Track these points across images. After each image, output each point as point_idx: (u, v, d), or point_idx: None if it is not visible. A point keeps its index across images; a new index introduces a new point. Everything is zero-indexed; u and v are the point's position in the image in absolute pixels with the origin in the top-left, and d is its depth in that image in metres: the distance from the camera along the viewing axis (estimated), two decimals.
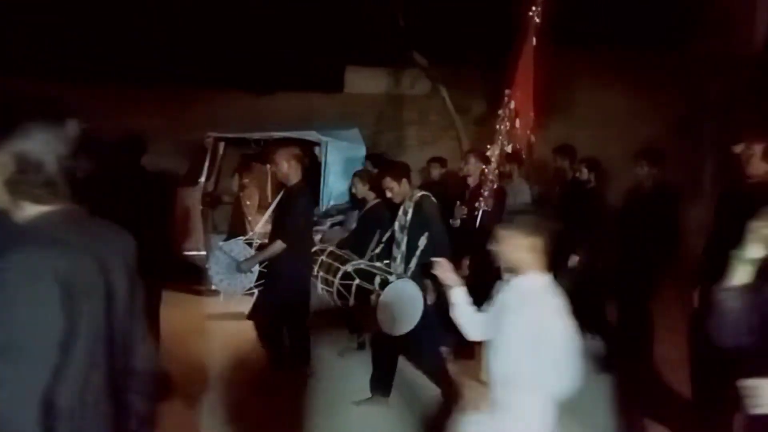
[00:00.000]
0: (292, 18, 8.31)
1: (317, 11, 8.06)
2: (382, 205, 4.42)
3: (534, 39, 4.34)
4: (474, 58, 8.22)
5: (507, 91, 4.38)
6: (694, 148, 8.06)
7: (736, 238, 1.87)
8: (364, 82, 8.59)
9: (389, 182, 3.87)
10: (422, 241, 3.73)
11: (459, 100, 8.36)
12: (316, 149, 7.15)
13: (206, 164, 6.88)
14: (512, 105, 4.27)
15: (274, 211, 4.76)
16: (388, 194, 3.94)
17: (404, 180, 3.88)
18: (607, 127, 8.42)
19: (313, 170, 6.82)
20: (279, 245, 3.95)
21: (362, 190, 4.68)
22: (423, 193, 3.88)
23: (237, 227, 6.72)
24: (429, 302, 3.75)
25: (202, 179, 6.84)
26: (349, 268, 3.93)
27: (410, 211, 3.79)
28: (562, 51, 8.44)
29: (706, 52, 8.33)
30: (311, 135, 7.00)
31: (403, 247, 3.78)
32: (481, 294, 2.35)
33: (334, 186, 6.93)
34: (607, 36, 8.29)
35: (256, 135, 7.08)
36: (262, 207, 7.05)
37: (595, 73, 8.56)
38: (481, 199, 4.38)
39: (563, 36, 8.29)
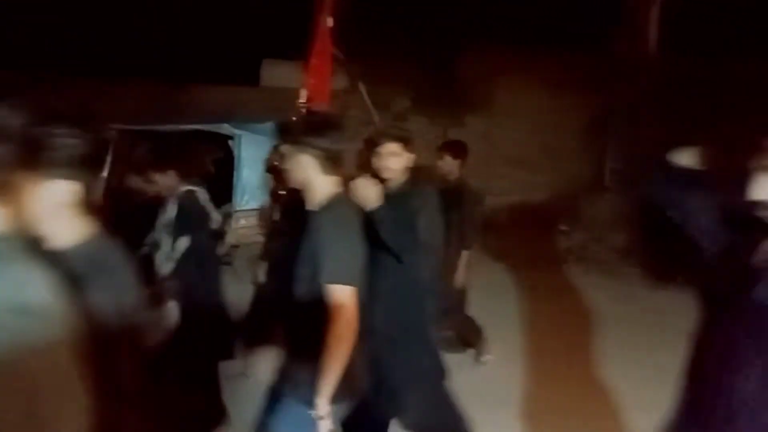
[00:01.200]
0: (210, 9, 8.00)
1: (235, 2, 7.81)
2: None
3: (328, 24, 4.10)
4: (394, 52, 8.21)
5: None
6: (602, 146, 8.43)
7: None
8: (282, 75, 8.35)
9: (152, 175, 3.29)
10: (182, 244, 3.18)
11: (379, 95, 8.30)
12: (231, 143, 6.89)
13: (109, 158, 6.43)
14: (306, 95, 3.94)
15: None
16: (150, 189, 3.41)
17: (171, 171, 3.25)
18: (522, 123, 8.65)
19: (228, 165, 6.60)
20: None
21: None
22: (189, 188, 3.28)
23: None
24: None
25: (104, 173, 6.39)
26: None
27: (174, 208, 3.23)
28: (482, 49, 8.67)
29: (616, 53, 8.74)
30: (224, 128, 6.75)
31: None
32: None
33: (249, 181, 6.70)
34: (527, 35, 8.54)
35: (165, 127, 6.72)
36: None
37: (513, 71, 8.76)
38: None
39: (484, 34, 8.52)
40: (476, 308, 4.77)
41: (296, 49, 8.56)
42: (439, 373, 2.82)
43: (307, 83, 3.99)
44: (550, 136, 8.72)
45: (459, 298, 4.33)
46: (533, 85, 8.73)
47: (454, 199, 3.92)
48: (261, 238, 6.09)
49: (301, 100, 4.01)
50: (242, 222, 6.46)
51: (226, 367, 3.48)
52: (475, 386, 3.72)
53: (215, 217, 3.63)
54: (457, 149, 4.38)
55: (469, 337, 4.45)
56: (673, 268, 5.97)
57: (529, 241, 7.89)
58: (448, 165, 4.26)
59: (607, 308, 5.61)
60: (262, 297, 3.89)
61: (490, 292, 5.96)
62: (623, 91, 8.51)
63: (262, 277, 3.87)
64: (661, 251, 6.06)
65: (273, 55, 8.59)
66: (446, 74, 8.49)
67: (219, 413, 3.26)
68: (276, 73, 8.54)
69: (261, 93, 8.27)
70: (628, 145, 7.96)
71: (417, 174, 2.86)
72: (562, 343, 4.83)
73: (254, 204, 6.48)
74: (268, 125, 7.27)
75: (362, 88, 8.31)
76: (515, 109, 8.68)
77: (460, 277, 4.16)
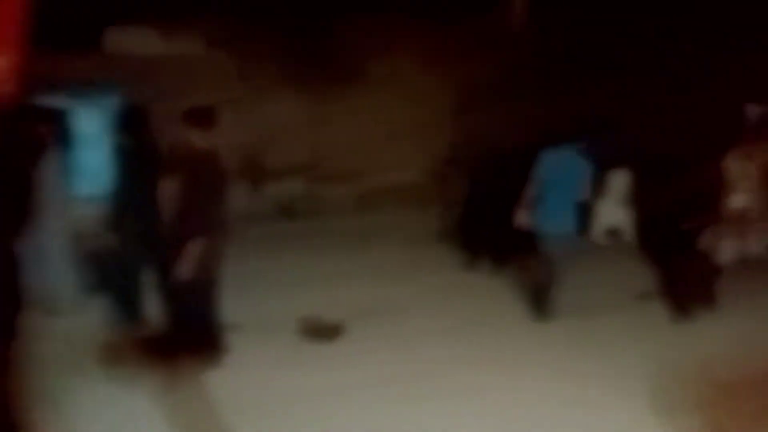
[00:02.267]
0: None
1: None
2: None
3: None
4: (261, 19, 7.60)
5: None
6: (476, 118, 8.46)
7: None
8: (130, 41, 7.41)
9: None
10: None
11: (242, 65, 7.69)
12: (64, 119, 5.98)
13: None
14: None
15: None
16: None
17: None
18: (398, 96, 8.47)
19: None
20: None
21: None
22: None
23: None
24: None
25: None
26: None
27: None
28: (356, 21, 8.32)
29: (487, 26, 8.81)
30: (58, 101, 5.85)
31: None
32: None
33: (90, 162, 5.85)
34: (401, 7, 8.31)
35: None
36: None
37: (386, 44, 8.53)
38: None
39: (357, 5, 8.18)
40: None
41: (147, 13, 7.73)
42: None
43: None
44: (426, 111, 8.62)
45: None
46: (408, 57, 8.56)
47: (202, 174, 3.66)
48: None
49: None
50: (80, 212, 5.60)
51: None
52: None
53: None
54: (202, 118, 3.88)
55: None
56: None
57: (404, 220, 7.81)
58: (195, 136, 3.76)
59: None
60: None
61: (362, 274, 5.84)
62: (492, 65, 8.63)
63: None
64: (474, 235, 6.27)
65: (118, 18, 7.59)
66: (318, 45, 8.04)
67: None
68: (122, 39, 7.55)
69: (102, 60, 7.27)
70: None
71: None
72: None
73: (94, 191, 5.65)
74: (113, 98, 6.45)
75: (224, 56, 7.67)
76: (390, 82, 8.47)
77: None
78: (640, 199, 6.87)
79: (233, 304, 4.87)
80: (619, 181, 7.03)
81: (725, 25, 7.78)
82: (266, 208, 7.98)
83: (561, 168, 4.87)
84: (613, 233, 7.09)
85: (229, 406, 3.31)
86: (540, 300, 4.98)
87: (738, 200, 5.39)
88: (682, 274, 5.19)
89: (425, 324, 4.74)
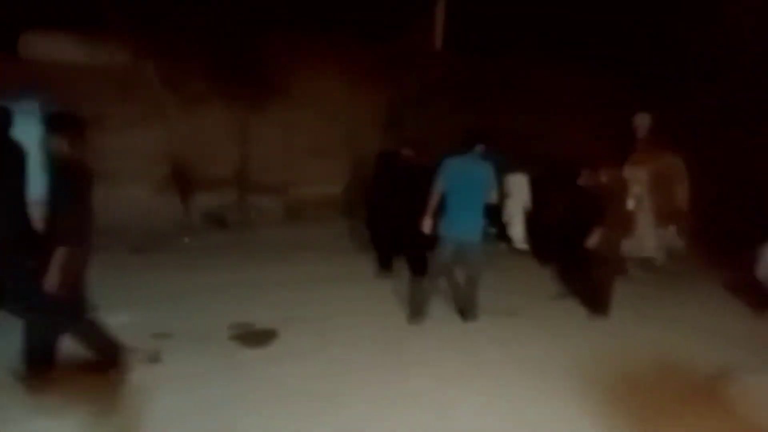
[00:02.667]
0: None
1: None
2: None
3: None
4: (189, 31, 7.57)
5: None
6: (397, 132, 8.87)
7: None
8: (49, 47, 7.19)
9: None
10: None
11: (170, 74, 7.64)
12: None
13: None
14: None
15: None
16: None
17: None
18: (322, 111, 8.71)
19: None
20: None
21: None
22: None
23: None
24: None
25: None
26: None
27: None
28: (282, 37, 8.47)
29: (407, 44, 9.24)
30: None
31: None
32: None
33: None
34: (325, 25, 8.55)
35: None
36: None
37: (310, 61, 8.73)
38: None
39: (283, 21, 8.32)
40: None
41: (64, 18, 7.49)
42: None
43: None
44: (349, 125, 8.91)
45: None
46: (332, 74, 8.81)
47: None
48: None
49: None
50: None
51: None
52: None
53: None
54: (66, 125, 3.69)
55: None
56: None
57: (330, 230, 8.04)
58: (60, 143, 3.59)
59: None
60: None
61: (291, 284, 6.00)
62: (412, 83, 9.09)
63: None
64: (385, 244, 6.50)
65: (35, 23, 7.34)
66: (244, 59, 8.13)
67: None
68: (41, 45, 7.31)
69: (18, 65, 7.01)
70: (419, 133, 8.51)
71: None
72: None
73: None
74: (28, 106, 6.23)
75: (150, 65, 7.58)
76: (315, 98, 8.69)
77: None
78: (538, 206, 7.62)
79: (166, 315, 4.96)
80: (520, 187, 7.68)
81: (617, 47, 8.74)
82: (196, 219, 7.97)
83: (464, 174, 4.91)
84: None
85: (165, 416, 3.38)
86: (461, 301, 5.25)
87: (631, 204, 6.00)
88: (583, 276, 5.66)
89: (351, 329, 4.90)
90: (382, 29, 9.01)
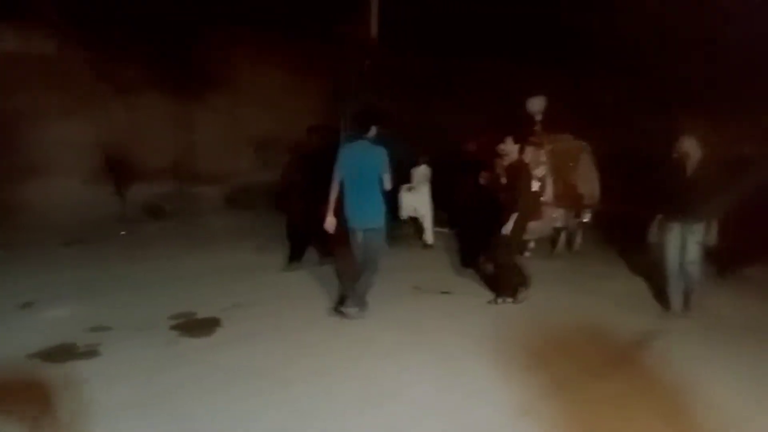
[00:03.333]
0: None
1: None
2: None
3: None
4: (121, 14, 7.37)
5: None
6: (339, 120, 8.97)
7: None
8: None
9: None
10: None
11: (103, 64, 7.45)
12: None
13: None
14: None
15: None
16: None
17: None
18: (263, 100, 8.73)
19: None
20: None
21: None
22: None
23: None
24: None
25: None
26: None
27: None
28: (221, 29, 8.39)
29: (343, 37, 9.33)
30: None
31: None
32: None
33: None
34: (263, 16, 8.52)
35: None
36: None
37: (251, 50, 8.72)
38: None
39: (223, 16, 8.23)
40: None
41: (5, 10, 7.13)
42: None
43: None
44: (289, 116, 8.97)
45: None
46: (271, 65, 8.84)
47: None
48: None
49: None
50: None
51: None
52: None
53: None
54: None
55: None
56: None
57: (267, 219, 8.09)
58: None
59: None
60: None
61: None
62: (348, 74, 9.23)
63: None
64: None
65: None
66: (182, 50, 8.02)
67: None
68: None
69: None
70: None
71: None
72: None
73: None
74: None
75: (83, 55, 7.36)
76: (256, 88, 8.69)
77: None
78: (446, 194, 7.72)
79: (104, 308, 4.93)
80: (421, 174, 7.64)
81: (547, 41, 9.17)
82: (133, 210, 7.85)
83: (357, 159, 4.76)
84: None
85: (114, 408, 3.39)
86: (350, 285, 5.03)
87: (535, 185, 6.10)
88: (490, 257, 5.69)
89: (291, 315, 5.03)
90: (318, 22, 9.06)
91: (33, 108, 7.08)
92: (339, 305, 5.06)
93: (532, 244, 6.98)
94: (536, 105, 6.99)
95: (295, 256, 6.38)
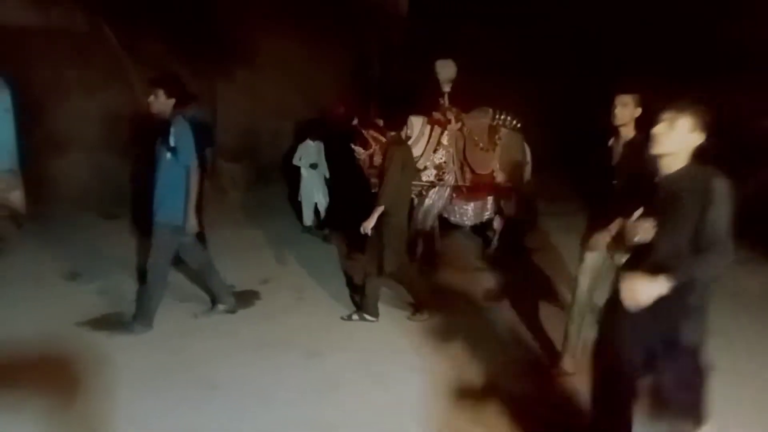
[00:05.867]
0: None
1: None
2: None
3: None
4: None
5: None
6: (362, 92, 8.96)
7: None
8: (4, 12, 6.91)
9: None
10: None
11: (127, 37, 7.48)
12: None
13: None
14: None
15: None
16: None
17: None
18: (286, 75, 8.71)
19: None
20: None
21: None
22: None
23: None
24: None
25: None
26: None
27: None
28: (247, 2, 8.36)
29: (365, 8, 9.24)
30: None
31: None
32: None
33: None
34: None
35: None
36: None
37: (273, 23, 8.67)
38: None
39: None
40: None
41: None
42: None
43: None
44: (313, 89, 8.95)
45: None
46: (294, 37, 8.78)
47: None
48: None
49: None
50: None
51: None
52: None
53: None
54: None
55: None
56: None
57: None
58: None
59: None
60: None
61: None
62: (375, 45, 9.16)
63: None
64: None
65: None
66: (205, 22, 8.00)
67: None
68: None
69: None
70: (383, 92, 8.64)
71: None
72: None
73: None
74: None
75: (107, 29, 7.39)
76: (278, 61, 8.66)
77: None
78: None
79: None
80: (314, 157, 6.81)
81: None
82: None
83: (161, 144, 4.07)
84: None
85: (151, 372, 3.64)
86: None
87: (430, 174, 5.52)
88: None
89: (326, 287, 5.21)
90: None
91: (59, 82, 7.16)
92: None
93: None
94: (445, 71, 5.61)
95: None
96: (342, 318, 4.58)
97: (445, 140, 5.57)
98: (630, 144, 3.38)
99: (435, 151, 5.52)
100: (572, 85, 8.96)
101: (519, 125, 6.02)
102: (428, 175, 5.54)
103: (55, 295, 4.79)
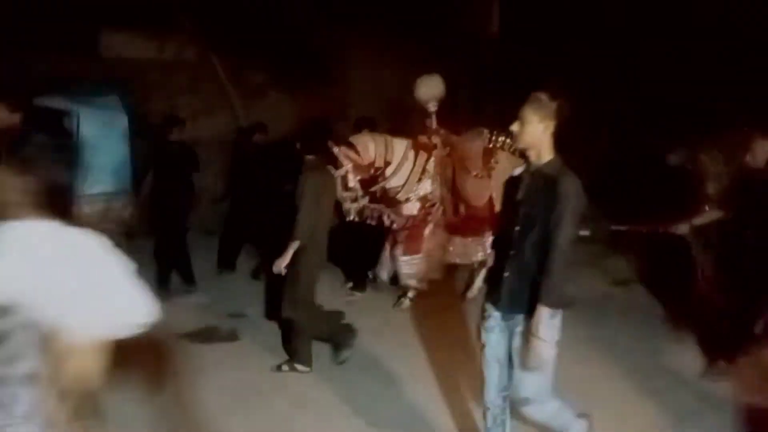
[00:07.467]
0: None
1: None
2: None
3: None
4: (245, 24, 7.94)
5: None
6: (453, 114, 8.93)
7: None
8: (124, 45, 7.68)
9: None
10: None
11: (232, 68, 8.02)
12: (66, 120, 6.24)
13: None
14: None
15: None
16: None
17: None
18: (380, 103, 8.90)
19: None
20: None
21: None
22: None
23: None
24: None
25: None
26: None
27: None
28: (332, 26, 8.73)
29: (457, 33, 9.31)
30: (57, 102, 6.10)
31: None
32: None
33: (93, 162, 6.15)
34: (374, 16, 8.73)
35: None
36: None
37: (365, 49, 8.94)
38: None
39: (333, 14, 8.57)
40: None
41: (138, 17, 7.96)
42: None
43: None
44: (403, 113, 9.09)
45: None
46: (388, 65, 8.99)
47: None
48: (110, 227, 5.72)
49: None
50: (86, 209, 5.92)
51: None
52: None
53: None
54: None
55: None
56: None
57: None
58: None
59: None
60: None
61: None
62: (467, 68, 9.17)
63: None
64: None
65: (113, 22, 7.83)
66: (303, 52, 8.43)
67: None
68: (117, 43, 7.81)
69: (100, 63, 7.53)
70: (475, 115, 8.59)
71: None
72: None
73: (101, 189, 5.98)
74: (110, 99, 6.76)
75: (215, 60, 7.99)
76: (374, 90, 8.89)
77: None
78: None
79: (241, 295, 5.37)
80: None
81: None
82: None
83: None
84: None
85: (241, 387, 3.77)
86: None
87: (413, 208, 4.89)
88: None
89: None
90: (436, 17, 9.07)
91: (172, 109, 7.77)
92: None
93: (411, 293, 5.08)
94: (429, 90, 4.81)
95: None
96: (271, 369, 4.05)
97: (431, 168, 4.90)
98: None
99: (419, 180, 4.83)
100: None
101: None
102: (410, 209, 4.83)
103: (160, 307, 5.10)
